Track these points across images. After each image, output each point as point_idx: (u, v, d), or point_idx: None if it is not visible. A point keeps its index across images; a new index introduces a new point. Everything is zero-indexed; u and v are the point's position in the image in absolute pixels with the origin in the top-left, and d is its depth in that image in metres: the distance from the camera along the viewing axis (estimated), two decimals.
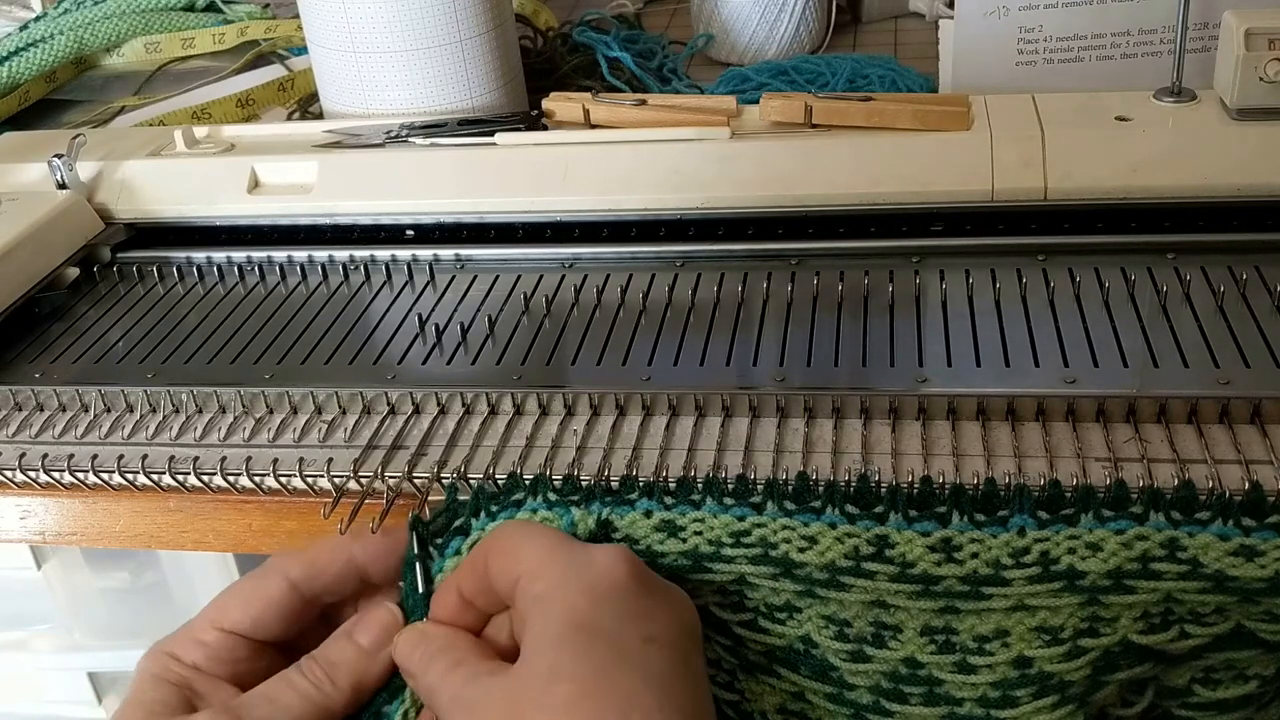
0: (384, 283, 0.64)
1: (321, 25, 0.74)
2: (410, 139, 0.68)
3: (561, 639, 0.35)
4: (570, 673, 0.34)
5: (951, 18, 0.75)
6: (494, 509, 0.43)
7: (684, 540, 0.42)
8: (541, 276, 0.63)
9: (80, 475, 0.52)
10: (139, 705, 0.39)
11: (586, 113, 0.69)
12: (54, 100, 0.97)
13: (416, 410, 0.53)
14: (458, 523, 0.43)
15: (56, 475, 0.52)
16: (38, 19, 1.05)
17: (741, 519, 0.42)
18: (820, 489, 0.43)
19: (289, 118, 0.87)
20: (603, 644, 0.35)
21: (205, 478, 0.51)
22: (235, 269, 0.66)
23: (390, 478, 0.49)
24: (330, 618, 0.43)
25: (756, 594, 0.42)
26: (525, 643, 0.36)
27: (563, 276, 0.62)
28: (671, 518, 0.42)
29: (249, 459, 0.51)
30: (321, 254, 0.66)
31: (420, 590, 0.42)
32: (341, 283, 0.64)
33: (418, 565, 0.42)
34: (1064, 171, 0.60)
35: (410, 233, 0.67)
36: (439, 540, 0.43)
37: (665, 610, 0.37)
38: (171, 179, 0.69)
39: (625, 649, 0.35)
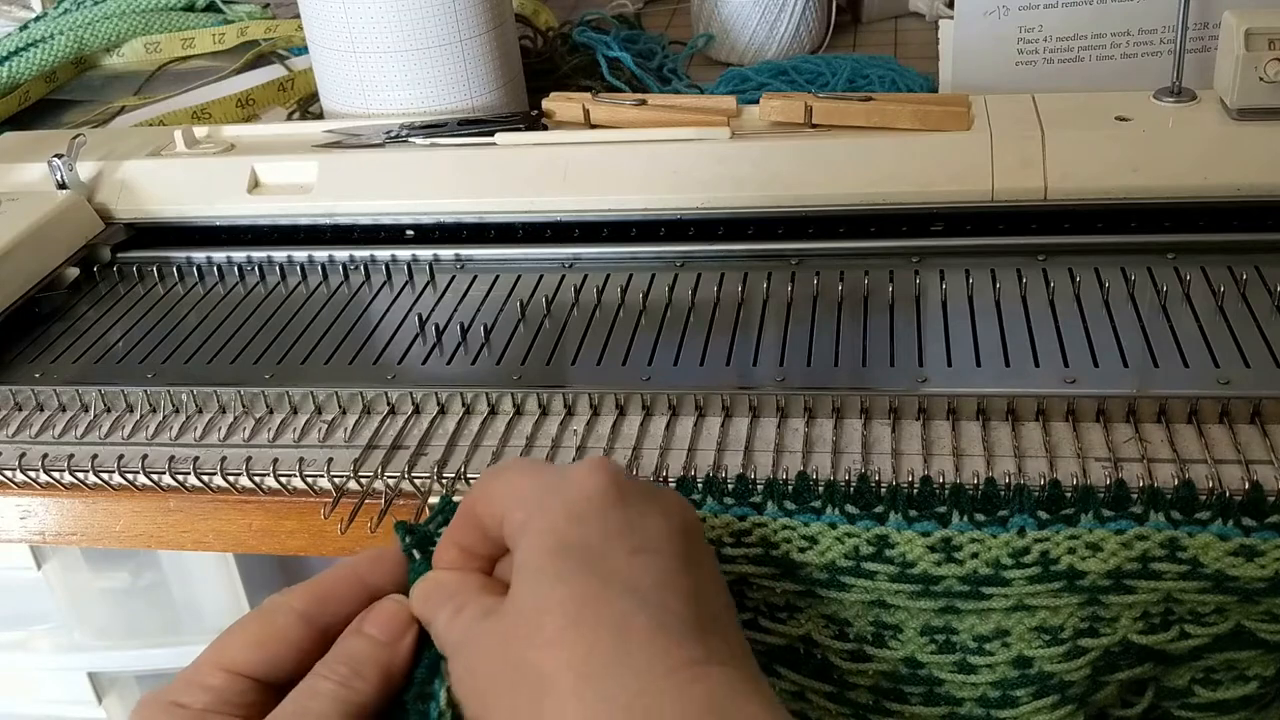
0: (384, 283, 0.64)
1: (321, 25, 0.74)
2: (410, 139, 0.68)
3: (543, 567, 0.34)
4: (556, 602, 0.33)
5: (951, 18, 0.75)
6: None
7: None
8: (541, 276, 0.63)
9: (80, 475, 0.52)
10: None
11: (586, 113, 0.69)
12: (54, 100, 0.97)
13: (416, 410, 0.53)
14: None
15: (56, 475, 0.52)
16: (38, 19, 1.05)
17: (742, 519, 0.42)
18: (820, 489, 0.43)
19: (289, 118, 0.87)
20: (586, 565, 0.33)
21: (205, 478, 0.51)
22: (235, 269, 0.66)
23: (390, 478, 0.49)
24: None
25: (756, 594, 0.42)
26: (514, 573, 0.35)
27: (563, 276, 0.62)
28: None
29: (249, 459, 0.51)
30: (321, 254, 0.66)
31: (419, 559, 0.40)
32: (341, 283, 0.64)
33: (409, 539, 0.41)
34: (1064, 171, 0.60)
35: (410, 233, 0.67)
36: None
37: (653, 515, 0.35)
38: (171, 179, 0.69)
39: (612, 566, 0.33)
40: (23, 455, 0.53)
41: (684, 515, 0.37)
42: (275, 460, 0.51)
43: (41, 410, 0.56)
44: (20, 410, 0.56)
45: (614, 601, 0.33)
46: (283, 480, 0.50)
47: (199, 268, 0.67)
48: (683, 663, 0.32)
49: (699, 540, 0.37)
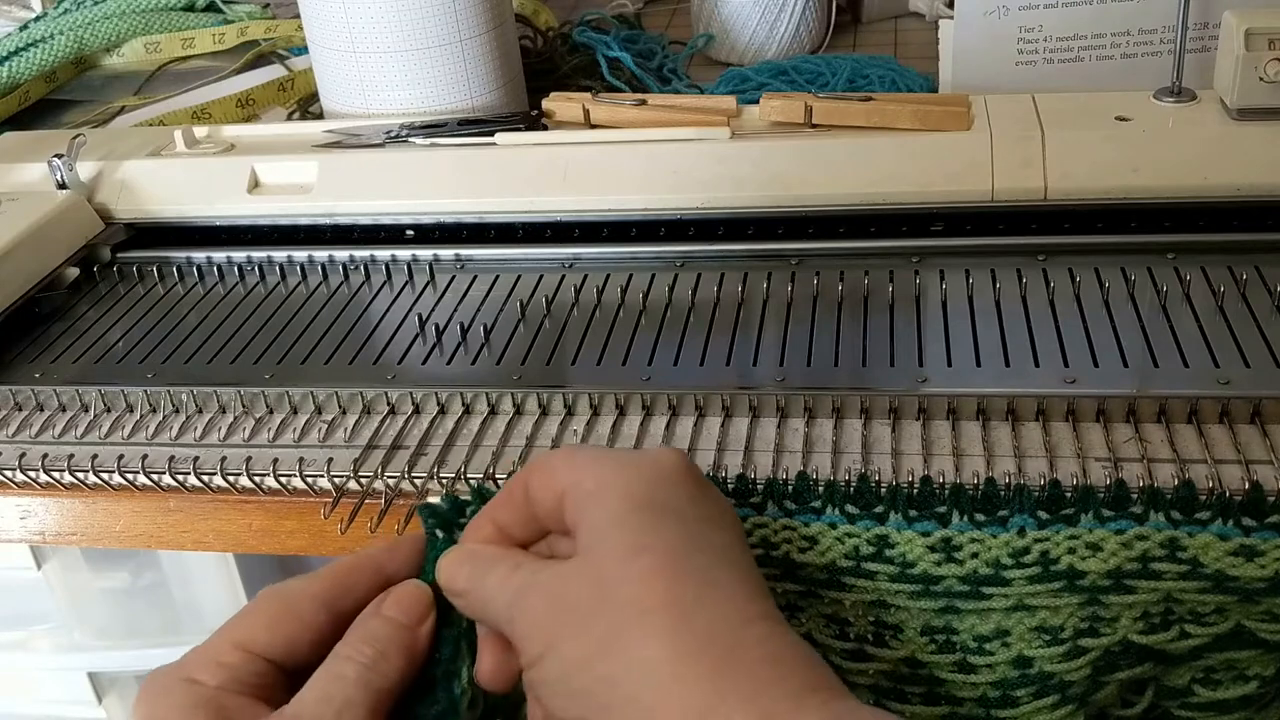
0: (384, 283, 0.64)
1: (321, 25, 0.74)
2: (410, 139, 0.68)
3: (626, 517, 0.35)
4: (647, 543, 0.34)
5: (951, 18, 0.75)
6: None
7: None
8: (541, 276, 0.63)
9: (80, 475, 0.52)
10: None
11: (586, 113, 0.69)
12: (54, 100, 0.97)
13: (416, 410, 0.53)
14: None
15: (56, 475, 0.52)
16: (38, 19, 1.05)
17: (742, 519, 0.42)
18: (820, 489, 0.43)
19: (289, 118, 0.87)
20: (670, 520, 0.35)
21: (205, 478, 0.51)
22: (235, 269, 0.66)
23: (390, 478, 0.49)
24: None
25: None
26: (587, 531, 0.35)
27: (563, 276, 0.62)
28: None
29: (249, 459, 0.51)
30: (321, 254, 0.66)
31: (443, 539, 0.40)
32: (341, 283, 0.64)
33: (433, 520, 0.41)
34: (1064, 171, 0.60)
35: (410, 233, 0.67)
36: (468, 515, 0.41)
37: (716, 497, 0.38)
38: (171, 179, 0.69)
39: (691, 527, 0.35)
40: (23, 455, 0.53)
41: (734, 513, 0.39)
42: (275, 460, 0.51)
43: (41, 410, 0.56)
44: (20, 410, 0.56)
45: (699, 553, 0.35)
46: (283, 480, 0.50)
47: (199, 268, 0.67)
48: (757, 615, 0.34)
49: (745, 538, 0.39)
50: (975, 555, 0.41)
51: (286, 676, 0.37)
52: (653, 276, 0.61)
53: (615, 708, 0.32)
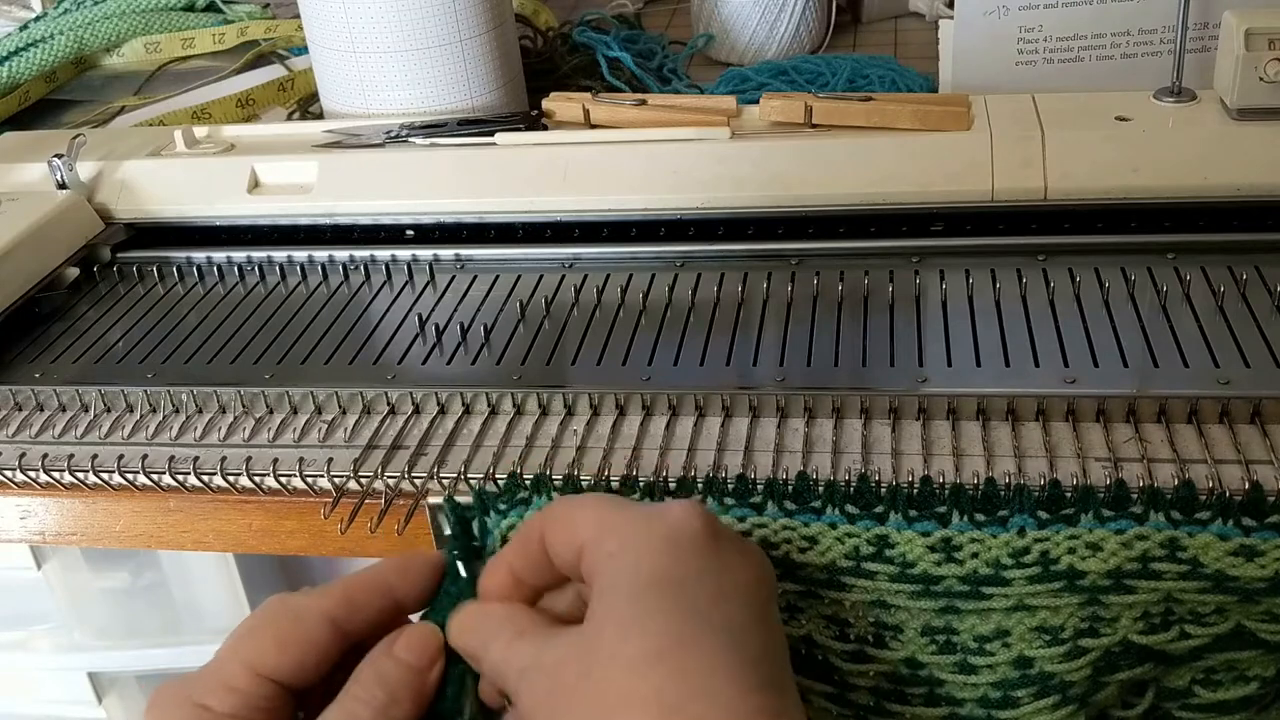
0: (384, 283, 0.64)
1: (321, 25, 0.74)
2: (410, 139, 0.68)
3: (637, 593, 0.34)
4: (649, 628, 0.33)
5: (951, 18, 0.75)
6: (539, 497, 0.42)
7: None
8: (541, 276, 0.63)
9: (80, 475, 0.52)
10: None
11: (586, 113, 0.69)
12: (54, 100, 0.97)
13: (416, 410, 0.53)
14: (520, 495, 0.42)
15: (56, 475, 0.52)
16: (38, 19, 1.05)
17: (742, 519, 0.42)
18: (820, 489, 0.43)
19: (289, 118, 0.87)
20: (682, 599, 0.34)
21: (205, 478, 0.51)
22: (235, 269, 0.66)
23: (390, 478, 0.49)
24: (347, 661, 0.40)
25: None
26: (597, 598, 0.34)
27: (563, 276, 0.62)
28: None
29: (249, 459, 0.51)
30: (321, 254, 0.66)
31: (464, 575, 0.40)
32: (341, 283, 0.64)
33: (457, 552, 0.41)
34: (1064, 171, 0.60)
35: (410, 233, 0.67)
36: (501, 505, 0.41)
37: (740, 562, 0.36)
38: (171, 179, 0.69)
39: (702, 605, 0.34)
40: (23, 455, 0.53)
41: (764, 565, 0.37)
42: (275, 460, 0.51)
43: (41, 410, 0.56)
44: (20, 410, 0.56)
45: (705, 639, 0.33)
46: (283, 480, 0.50)
47: (199, 268, 0.67)
48: (760, 709, 0.32)
49: (773, 596, 0.37)
50: (975, 555, 0.41)
51: (292, 697, 0.37)
52: (653, 276, 0.61)
53: None
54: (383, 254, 0.65)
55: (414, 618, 0.40)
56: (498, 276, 0.63)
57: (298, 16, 0.79)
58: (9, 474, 0.52)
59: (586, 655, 0.34)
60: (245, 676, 0.36)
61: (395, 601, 0.39)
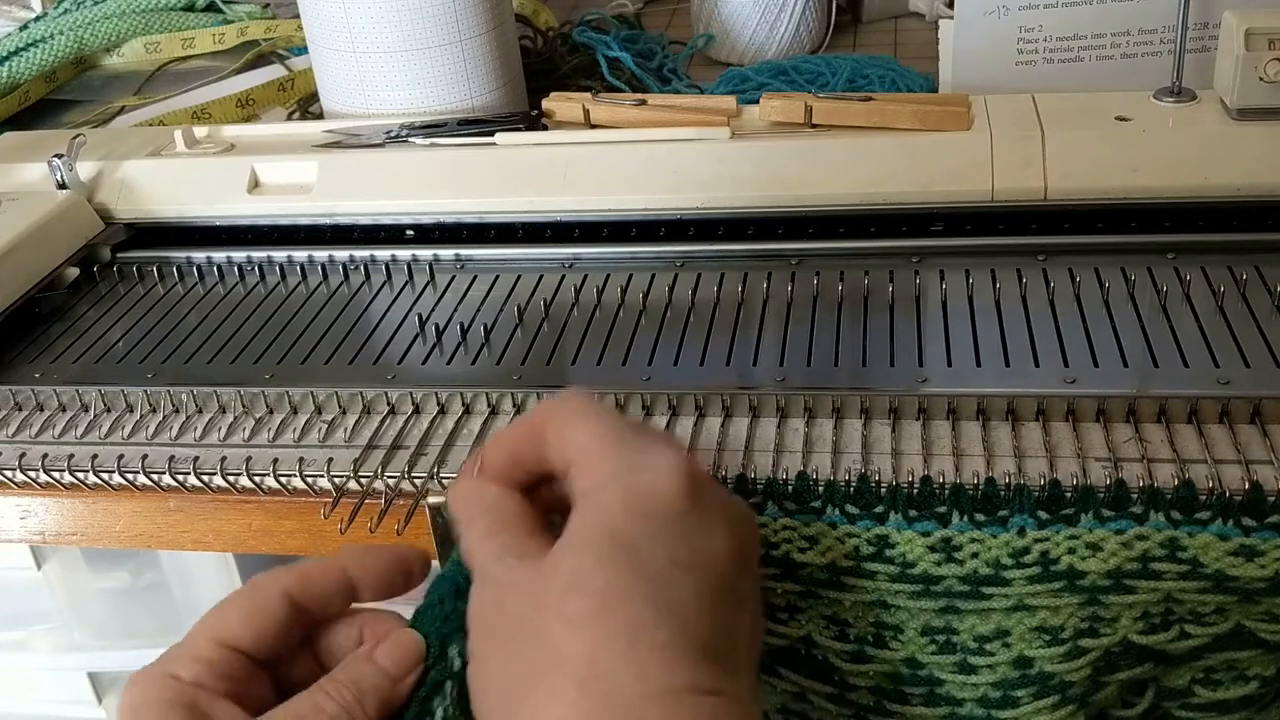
0: (384, 283, 0.64)
1: (321, 25, 0.74)
2: (410, 139, 0.68)
3: (588, 544, 0.34)
4: (590, 587, 0.33)
5: (951, 18, 0.75)
6: None
7: None
8: (541, 276, 0.63)
9: (80, 475, 0.52)
10: None
11: (586, 113, 0.69)
12: (54, 100, 0.97)
13: (416, 410, 0.53)
14: None
15: (56, 475, 0.52)
16: (38, 19, 1.05)
17: None
18: (820, 489, 0.43)
19: (289, 118, 0.87)
20: (635, 561, 0.33)
21: (205, 478, 0.51)
22: (235, 269, 0.66)
23: (390, 478, 0.49)
24: (312, 642, 0.41)
25: None
26: (567, 531, 0.35)
27: (563, 276, 0.62)
28: None
29: (249, 459, 0.51)
30: (321, 254, 0.66)
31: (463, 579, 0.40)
32: (341, 283, 0.64)
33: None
34: (1064, 171, 0.60)
35: (410, 233, 0.67)
36: None
37: (710, 532, 0.35)
38: (171, 179, 0.69)
39: (651, 572, 0.33)
40: (23, 455, 0.53)
41: (744, 535, 0.37)
42: (275, 460, 0.51)
43: (41, 410, 0.56)
44: (20, 410, 0.56)
45: (640, 607, 0.33)
46: (283, 480, 0.50)
47: (199, 268, 0.67)
48: (685, 685, 0.32)
49: (749, 569, 0.37)
50: (975, 555, 0.41)
51: (257, 668, 0.38)
52: (653, 276, 0.61)
53: None
54: (383, 254, 0.65)
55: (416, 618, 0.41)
56: (498, 276, 0.63)
57: (298, 16, 0.79)
58: (9, 474, 0.52)
59: (538, 593, 0.34)
60: (209, 646, 0.38)
61: (350, 585, 0.40)
